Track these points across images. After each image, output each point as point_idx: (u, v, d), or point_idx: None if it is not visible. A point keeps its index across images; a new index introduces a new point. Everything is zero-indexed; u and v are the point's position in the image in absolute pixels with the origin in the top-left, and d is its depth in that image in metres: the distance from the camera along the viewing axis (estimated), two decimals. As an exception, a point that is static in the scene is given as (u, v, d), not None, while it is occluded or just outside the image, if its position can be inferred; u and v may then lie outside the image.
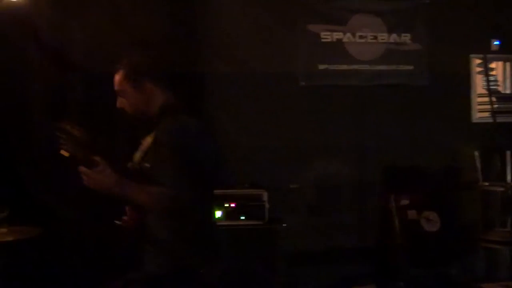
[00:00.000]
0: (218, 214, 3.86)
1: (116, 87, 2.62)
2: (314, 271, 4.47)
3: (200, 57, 4.56)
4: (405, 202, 4.49)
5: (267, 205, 3.92)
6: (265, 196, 3.93)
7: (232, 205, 3.90)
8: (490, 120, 4.89)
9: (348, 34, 4.78)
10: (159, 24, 4.45)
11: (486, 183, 4.68)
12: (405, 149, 4.79)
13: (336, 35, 4.77)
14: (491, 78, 4.97)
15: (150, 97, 2.58)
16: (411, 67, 4.89)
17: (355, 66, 4.80)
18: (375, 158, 4.74)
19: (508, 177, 4.72)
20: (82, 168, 2.36)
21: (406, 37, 4.89)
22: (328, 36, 4.76)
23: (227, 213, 3.89)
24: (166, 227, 2.48)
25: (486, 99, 4.92)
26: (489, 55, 4.94)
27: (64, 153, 2.36)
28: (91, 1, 4.46)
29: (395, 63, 4.86)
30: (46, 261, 3.95)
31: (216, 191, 3.81)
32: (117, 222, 2.62)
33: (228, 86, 4.62)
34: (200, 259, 2.47)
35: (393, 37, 4.86)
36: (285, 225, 3.92)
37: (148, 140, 2.60)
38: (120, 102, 2.62)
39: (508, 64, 5.10)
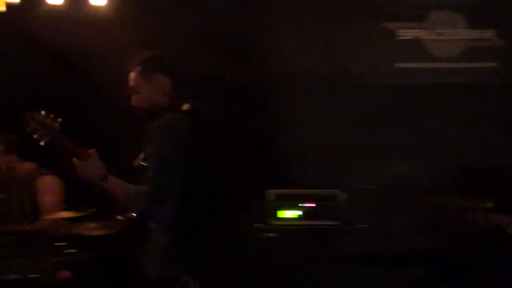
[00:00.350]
0: (295, 213, 3.87)
1: (130, 84, 2.67)
2: (385, 272, 4.39)
3: (270, 57, 4.60)
4: (486, 204, 4.35)
5: (343, 205, 3.88)
6: (342, 196, 3.90)
7: (311, 205, 3.89)
8: None
9: (426, 31, 4.68)
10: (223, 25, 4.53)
11: None
12: (478, 150, 4.64)
13: (413, 33, 4.68)
14: None
15: (163, 92, 2.63)
16: (495, 65, 4.71)
17: (433, 64, 4.69)
18: (450, 158, 4.62)
19: None
20: (75, 159, 2.42)
21: (490, 33, 4.71)
22: (404, 33, 4.67)
23: (305, 213, 3.88)
24: (162, 227, 2.51)
25: None
26: None
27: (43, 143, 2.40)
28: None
29: (477, 61, 4.71)
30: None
31: (293, 191, 3.95)
32: (119, 217, 2.68)
33: (300, 85, 4.63)
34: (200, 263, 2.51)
35: (475, 33, 4.71)
36: (363, 226, 3.86)
37: None
38: (133, 100, 2.66)
39: None
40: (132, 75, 2.66)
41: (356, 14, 4.66)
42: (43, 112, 2.43)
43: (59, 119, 2.42)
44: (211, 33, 4.58)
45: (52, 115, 2.42)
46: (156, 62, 2.68)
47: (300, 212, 3.90)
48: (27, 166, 4.16)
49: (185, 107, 2.57)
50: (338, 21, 4.68)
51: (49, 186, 4.10)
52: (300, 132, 4.49)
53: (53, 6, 4.58)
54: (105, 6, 4.65)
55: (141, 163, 2.53)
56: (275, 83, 4.62)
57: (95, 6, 4.65)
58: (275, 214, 3.89)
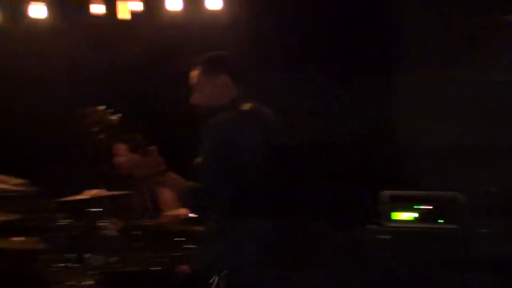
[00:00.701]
0: (410, 215, 3.77)
1: (192, 82, 2.69)
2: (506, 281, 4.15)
3: (389, 55, 4.50)
4: None
5: (463, 208, 3.71)
6: (461, 199, 3.73)
7: (428, 207, 3.76)
8: None
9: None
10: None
11: None
12: None
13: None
14: None
15: (224, 90, 2.62)
16: None
17: None
18: None
19: None
20: (133, 155, 2.52)
21: None
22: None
23: (422, 215, 3.77)
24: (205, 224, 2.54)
25: None
26: None
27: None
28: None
29: None
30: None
31: (408, 192, 3.84)
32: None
33: (418, 83, 4.48)
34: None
35: None
36: (485, 231, 3.67)
37: None
38: (194, 98, 2.67)
39: None
40: (194, 73, 2.69)
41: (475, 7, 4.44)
42: (101, 108, 2.53)
43: (118, 114, 2.53)
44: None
45: (110, 111, 2.52)
46: (218, 61, 2.70)
47: (416, 214, 3.78)
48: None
49: (245, 107, 2.57)
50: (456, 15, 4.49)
51: (170, 183, 4.29)
52: (417, 132, 4.35)
53: (172, 12, 4.77)
54: (221, 10, 4.79)
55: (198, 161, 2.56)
56: (393, 81, 4.52)
57: (211, 11, 4.79)
58: (390, 215, 3.81)
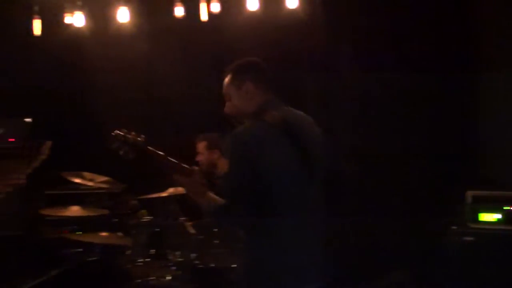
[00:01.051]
0: (497, 217, 3.59)
1: (223, 91, 2.64)
2: None
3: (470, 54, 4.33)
4: None
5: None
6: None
7: (515, 208, 3.58)
8: None
9: None
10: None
11: None
12: None
13: None
14: None
15: (251, 97, 2.56)
16: None
17: None
18: None
19: None
20: (177, 175, 2.47)
21: None
22: None
23: (507, 217, 3.58)
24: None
25: None
26: None
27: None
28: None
29: None
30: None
31: (496, 193, 3.65)
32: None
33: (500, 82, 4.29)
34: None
35: None
36: None
37: None
38: (226, 107, 2.62)
39: None
40: (225, 81, 2.65)
41: None
42: (124, 130, 2.56)
43: (142, 136, 2.54)
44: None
45: (134, 133, 2.54)
46: (242, 69, 2.64)
47: (500, 216, 3.60)
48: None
49: (269, 115, 2.48)
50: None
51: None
52: (504, 131, 4.15)
53: (251, 12, 4.80)
54: (298, 8, 4.77)
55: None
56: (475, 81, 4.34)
57: (290, 10, 4.77)
58: (476, 217, 3.65)
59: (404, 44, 4.55)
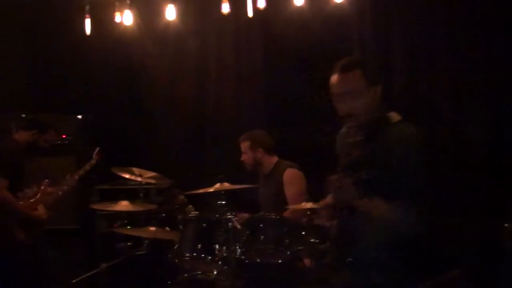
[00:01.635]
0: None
1: (343, 89, 2.51)
2: None
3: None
4: None
5: None
6: None
7: None
8: None
9: None
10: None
11: None
12: None
13: None
14: None
15: (379, 101, 2.50)
16: None
17: None
18: None
19: None
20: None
21: None
22: None
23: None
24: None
25: None
26: None
27: None
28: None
29: None
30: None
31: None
32: None
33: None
34: None
35: None
36: None
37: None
38: (345, 108, 2.50)
39: None
40: (349, 77, 2.52)
41: None
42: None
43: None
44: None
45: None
46: (374, 71, 2.59)
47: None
48: (273, 160, 4.48)
49: (394, 118, 2.51)
50: None
51: (294, 178, 4.36)
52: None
53: (297, 8, 4.79)
54: (344, 1, 4.72)
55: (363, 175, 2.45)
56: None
57: (336, 3, 4.73)
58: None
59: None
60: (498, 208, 3.99)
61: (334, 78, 2.55)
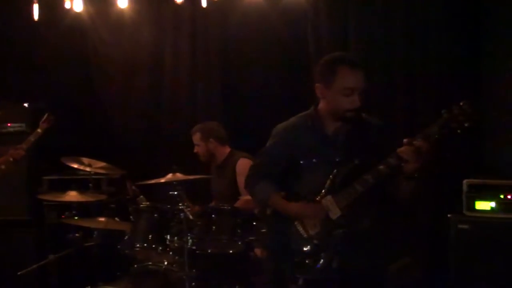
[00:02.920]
0: (493, 205, 3.61)
1: (361, 84, 2.72)
2: None
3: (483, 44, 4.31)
4: None
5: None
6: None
7: (509, 196, 3.58)
8: None
9: None
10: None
11: None
12: None
13: None
14: None
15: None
16: None
17: None
18: None
19: None
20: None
21: None
22: None
23: (502, 205, 3.59)
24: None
25: None
26: None
27: None
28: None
29: None
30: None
31: (490, 181, 3.67)
32: None
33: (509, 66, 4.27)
34: None
35: None
36: None
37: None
38: (356, 102, 2.72)
39: None
40: (362, 74, 2.74)
41: None
42: None
43: None
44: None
45: None
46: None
47: (501, 204, 3.61)
48: (226, 150, 4.48)
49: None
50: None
51: (247, 168, 4.35)
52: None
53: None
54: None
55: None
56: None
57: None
58: (473, 205, 3.67)
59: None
60: (444, 199, 4.10)
61: (355, 72, 2.72)
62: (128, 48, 5.38)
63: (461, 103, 2.53)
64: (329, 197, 2.74)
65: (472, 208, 3.68)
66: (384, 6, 4.50)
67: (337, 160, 2.78)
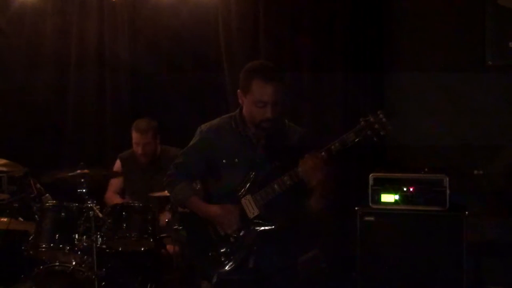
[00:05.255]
0: (397, 197, 3.79)
1: (277, 97, 2.75)
2: (499, 262, 4.19)
3: (385, 43, 4.50)
4: None
5: (448, 191, 3.73)
6: (446, 181, 3.74)
7: (411, 189, 3.79)
8: None
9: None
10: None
11: None
12: None
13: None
14: None
15: None
16: None
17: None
18: None
19: None
20: None
21: None
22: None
23: (404, 198, 3.79)
24: None
25: None
26: None
27: None
28: None
29: None
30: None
31: (393, 175, 3.86)
32: None
33: (412, 68, 4.50)
34: None
35: None
36: (467, 212, 3.70)
37: None
38: (277, 111, 2.77)
39: None
40: (278, 85, 2.77)
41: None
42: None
43: None
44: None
45: None
46: None
47: (403, 197, 3.80)
48: (159, 146, 4.41)
49: None
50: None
51: None
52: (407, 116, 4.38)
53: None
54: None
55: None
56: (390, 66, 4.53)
57: None
58: (378, 198, 3.84)
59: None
60: (350, 193, 4.25)
61: (269, 86, 2.72)
62: (30, 41, 5.14)
63: (378, 112, 2.64)
64: (248, 196, 2.80)
65: (377, 200, 3.84)
66: (292, 4, 4.59)
67: (258, 161, 2.83)
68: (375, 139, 2.63)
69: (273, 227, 2.79)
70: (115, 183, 4.47)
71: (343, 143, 2.65)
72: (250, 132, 2.86)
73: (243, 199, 2.81)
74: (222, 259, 2.80)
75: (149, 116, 4.46)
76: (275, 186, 2.75)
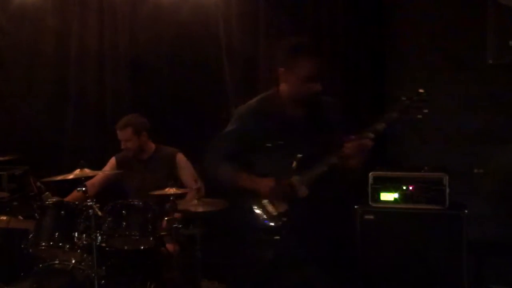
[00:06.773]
0: (396, 196, 3.79)
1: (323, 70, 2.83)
2: (499, 261, 4.19)
3: (386, 41, 4.50)
4: None
5: (447, 190, 3.73)
6: (446, 179, 3.74)
7: (410, 188, 3.79)
8: None
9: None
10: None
11: None
12: None
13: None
14: None
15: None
16: None
17: None
18: None
19: None
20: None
21: None
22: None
23: (404, 196, 3.79)
24: None
25: None
26: None
27: None
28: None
29: None
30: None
31: (393, 173, 3.86)
32: None
33: (413, 67, 4.50)
34: None
35: None
36: (467, 211, 3.69)
37: None
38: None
39: None
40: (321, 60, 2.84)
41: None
42: None
43: None
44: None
45: None
46: None
47: (403, 195, 3.80)
48: (152, 144, 4.39)
49: None
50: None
51: (187, 162, 4.33)
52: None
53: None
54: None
55: None
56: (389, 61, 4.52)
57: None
58: (378, 196, 3.84)
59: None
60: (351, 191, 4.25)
61: (315, 60, 2.79)
62: (31, 38, 5.15)
63: (420, 90, 2.67)
64: (297, 177, 2.80)
65: (377, 199, 3.84)
66: (293, 4, 4.59)
67: (301, 141, 2.83)
68: (419, 117, 2.64)
69: (321, 207, 2.82)
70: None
71: (387, 122, 2.66)
72: (291, 112, 2.87)
73: (293, 179, 2.81)
74: (275, 238, 2.84)
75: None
76: (322, 165, 2.76)
